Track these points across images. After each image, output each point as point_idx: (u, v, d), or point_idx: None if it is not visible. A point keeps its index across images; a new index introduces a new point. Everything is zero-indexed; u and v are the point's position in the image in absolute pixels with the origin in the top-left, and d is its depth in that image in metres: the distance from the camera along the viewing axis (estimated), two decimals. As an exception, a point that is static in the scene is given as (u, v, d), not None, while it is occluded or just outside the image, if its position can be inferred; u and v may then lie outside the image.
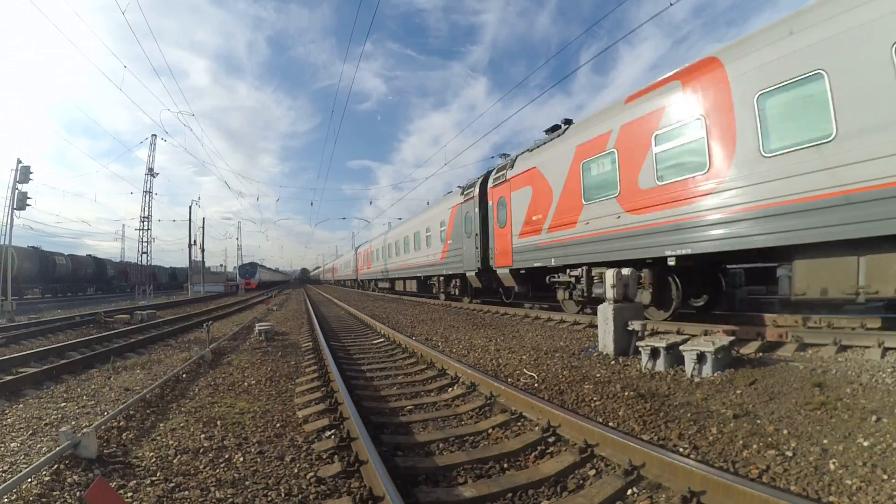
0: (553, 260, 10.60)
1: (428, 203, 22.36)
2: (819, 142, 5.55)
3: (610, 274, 6.81)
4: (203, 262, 47.77)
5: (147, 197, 36.53)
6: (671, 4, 8.23)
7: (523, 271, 12.45)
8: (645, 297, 8.38)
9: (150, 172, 36.50)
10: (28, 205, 18.36)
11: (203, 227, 44.57)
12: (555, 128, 11.47)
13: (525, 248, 11.87)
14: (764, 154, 6.20)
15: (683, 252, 7.34)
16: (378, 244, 32.13)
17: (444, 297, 19.15)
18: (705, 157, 6.98)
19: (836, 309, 7.65)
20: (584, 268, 9.69)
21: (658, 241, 7.74)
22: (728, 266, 7.62)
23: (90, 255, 46.33)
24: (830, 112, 5.39)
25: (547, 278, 11.42)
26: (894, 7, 5.04)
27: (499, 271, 13.55)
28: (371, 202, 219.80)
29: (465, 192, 15.74)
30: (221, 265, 77.93)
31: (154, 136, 35.49)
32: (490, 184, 13.92)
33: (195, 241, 39.90)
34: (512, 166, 12.71)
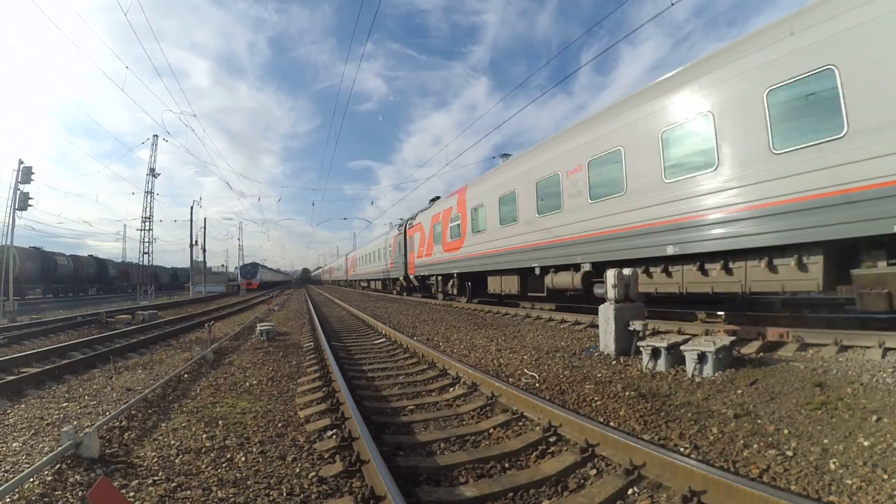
0: (426, 271, 20.34)
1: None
2: (482, 230, 14.03)
3: (611, 274, 6.79)
4: (204, 262, 47.84)
5: (148, 197, 36.61)
6: (672, 4, 8.23)
7: (419, 277, 21.97)
8: (455, 290, 17.50)
9: (152, 173, 36.56)
10: (30, 205, 18.41)
11: (204, 228, 44.64)
12: (435, 199, 20.94)
13: (419, 264, 21.55)
14: (472, 233, 14.82)
15: (458, 271, 16.40)
16: (359, 253, 43.26)
17: (395, 293, 28.62)
18: (461, 232, 15.75)
19: (836, 309, 7.71)
20: (434, 276, 19.60)
21: (452, 266, 16.89)
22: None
23: (92, 256, 46.31)
24: (484, 220, 13.80)
25: (425, 281, 21.30)
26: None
27: (410, 276, 23.40)
28: (372, 202, 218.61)
29: (399, 229, 25.75)
30: (223, 265, 78.09)
31: (156, 136, 35.54)
32: (407, 227, 23.85)
33: (196, 242, 39.99)
34: (414, 219, 22.74)
